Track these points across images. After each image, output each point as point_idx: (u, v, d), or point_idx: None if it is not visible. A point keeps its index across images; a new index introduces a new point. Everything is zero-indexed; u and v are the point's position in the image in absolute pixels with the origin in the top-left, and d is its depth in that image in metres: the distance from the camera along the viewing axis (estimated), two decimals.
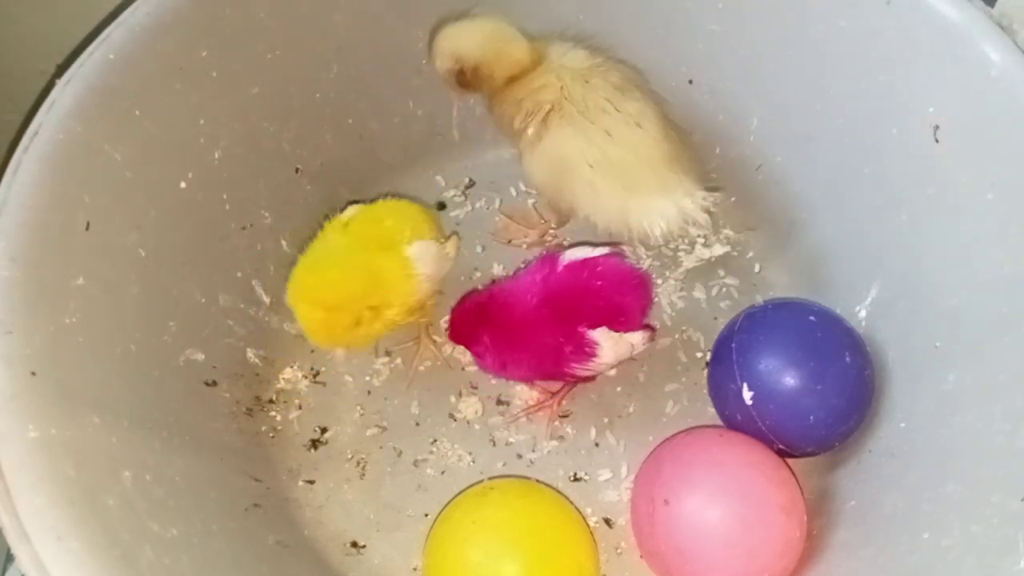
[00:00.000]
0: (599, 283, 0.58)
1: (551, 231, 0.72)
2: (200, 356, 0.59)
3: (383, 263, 0.59)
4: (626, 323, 0.59)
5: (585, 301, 0.58)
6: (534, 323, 0.58)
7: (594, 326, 0.57)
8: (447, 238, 0.65)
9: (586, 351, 0.57)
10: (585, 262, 0.59)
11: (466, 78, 0.62)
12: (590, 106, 0.59)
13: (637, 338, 0.59)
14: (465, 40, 0.61)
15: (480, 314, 0.59)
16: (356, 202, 0.64)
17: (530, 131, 0.61)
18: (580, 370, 0.59)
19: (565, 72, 0.60)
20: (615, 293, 0.59)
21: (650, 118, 0.60)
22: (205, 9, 0.56)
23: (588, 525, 0.58)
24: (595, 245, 0.62)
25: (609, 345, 0.57)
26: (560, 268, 0.59)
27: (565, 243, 0.71)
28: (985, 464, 0.48)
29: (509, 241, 0.72)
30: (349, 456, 0.63)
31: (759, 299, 0.69)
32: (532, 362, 0.59)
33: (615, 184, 0.59)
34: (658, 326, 0.68)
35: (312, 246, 0.61)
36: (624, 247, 0.70)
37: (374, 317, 0.58)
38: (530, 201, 0.74)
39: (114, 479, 0.45)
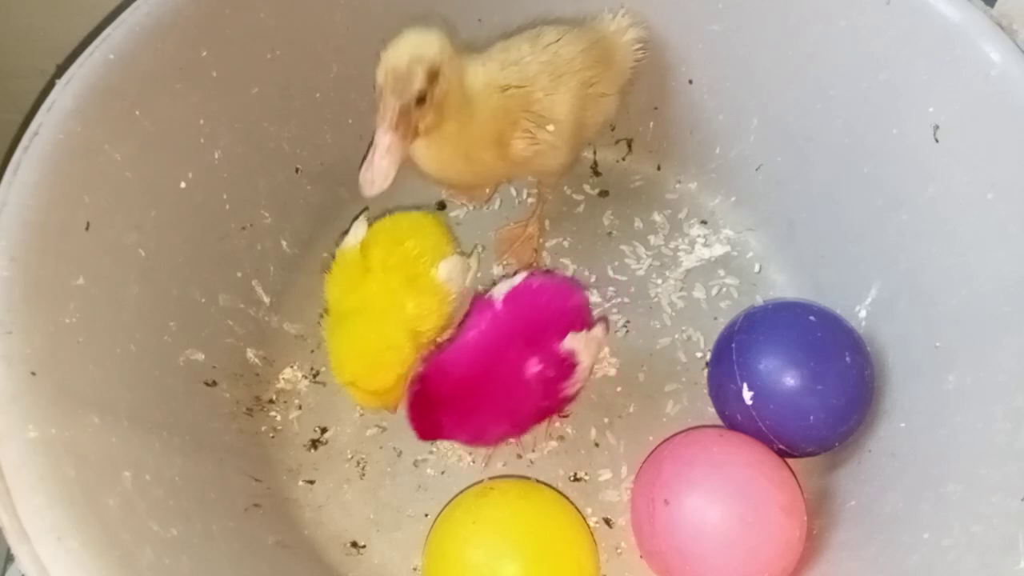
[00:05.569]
0: (544, 299, 0.58)
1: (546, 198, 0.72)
2: (200, 356, 0.59)
3: (419, 300, 0.59)
4: (583, 322, 0.59)
5: (544, 320, 0.57)
6: (511, 369, 0.56)
7: (562, 337, 0.57)
8: (469, 252, 0.65)
9: (567, 363, 0.57)
10: (519, 290, 0.59)
11: (425, 99, 0.50)
12: (547, 72, 0.59)
13: (599, 331, 0.59)
14: (427, 45, 0.51)
15: (439, 397, 0.56)
16: (358, 216, 0.63)
17: (549, 128, 0.59)
18: (568, 387, 0.58)
19: (492, 86, 0.57)
20: (564, 300, 0.59)
21: (559, 28, 0.62)
22: (205, 9, 0.56)
23: (588, 525, 0.58)
24: (511, 275, 0.61)
25: (582, 347, 0.57)
26: (499, 307, 0.58)
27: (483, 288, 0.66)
28: (985, 464, 0.48)
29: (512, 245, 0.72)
30: (349, 456, 0.63)
31: (759, 299, 0.69)
32: (520, 410, 0.57)
33: (613, 70, 0.63)
34: (658, 326, 0.68)
35: (334, 290, 0.60)
36: (535, 267, 0.70)
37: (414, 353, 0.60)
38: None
39: (114, 479, 0.45)
